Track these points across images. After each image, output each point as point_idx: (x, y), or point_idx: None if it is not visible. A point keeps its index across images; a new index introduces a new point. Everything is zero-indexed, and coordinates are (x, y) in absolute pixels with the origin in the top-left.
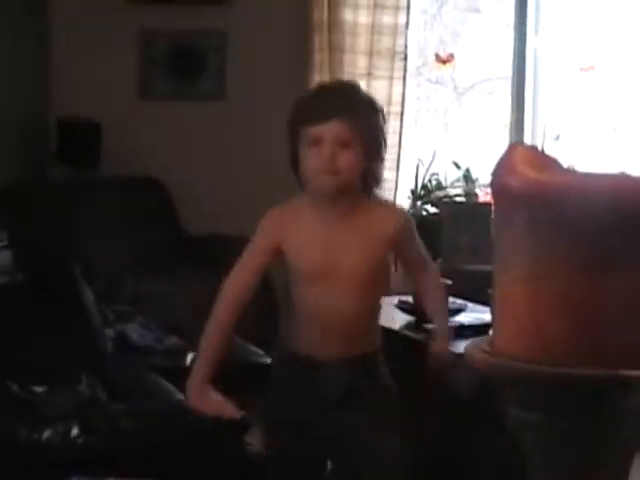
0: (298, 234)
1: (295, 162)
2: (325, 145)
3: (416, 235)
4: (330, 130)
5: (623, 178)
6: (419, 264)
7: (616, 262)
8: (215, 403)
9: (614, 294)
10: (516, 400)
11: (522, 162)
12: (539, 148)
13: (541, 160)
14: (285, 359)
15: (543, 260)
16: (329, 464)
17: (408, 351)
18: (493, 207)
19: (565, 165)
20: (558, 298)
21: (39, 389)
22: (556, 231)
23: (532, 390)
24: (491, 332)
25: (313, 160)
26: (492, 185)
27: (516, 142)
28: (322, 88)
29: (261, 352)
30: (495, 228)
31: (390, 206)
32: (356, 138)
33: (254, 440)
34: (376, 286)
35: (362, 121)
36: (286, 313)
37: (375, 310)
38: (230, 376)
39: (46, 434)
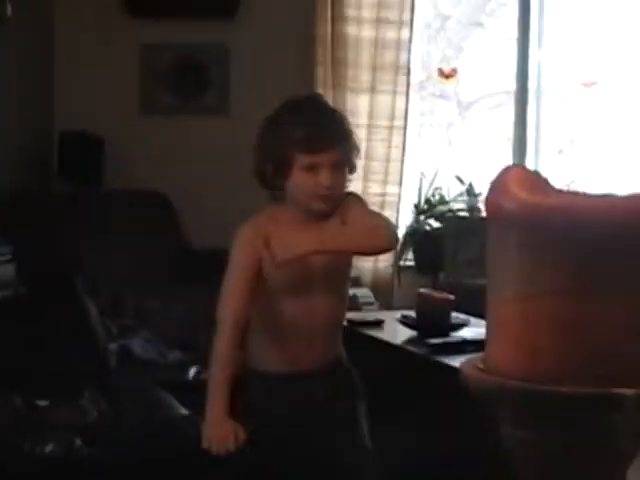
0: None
1: (263, 174)
2: (324, 172)
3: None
4: (329, 158)
5: (612, 199)
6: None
7: (603, 284)
8: (227, 439)
9: (601, 315)
10: (508, 418)
11: (515, 183)
12: (533, 169)
13: (534, 181)
14: (261, 378)
15: (533, 281)
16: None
17: (410, 366)
18: (486, 227)
19: (566, 181)
20: (547, 319)
21: (42, 403)
22: (545, 252)
23: (523, 408)
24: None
25: (310, 185)
26: (486, 206)
27: (510, 164)
28: (308, 112)
29: None
30: (488, 247)
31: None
32: (346, 160)
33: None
34: (346, 283)
35: (351, 144)
36: (257, 333)
37: (346, 306)
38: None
39: (49, 447)
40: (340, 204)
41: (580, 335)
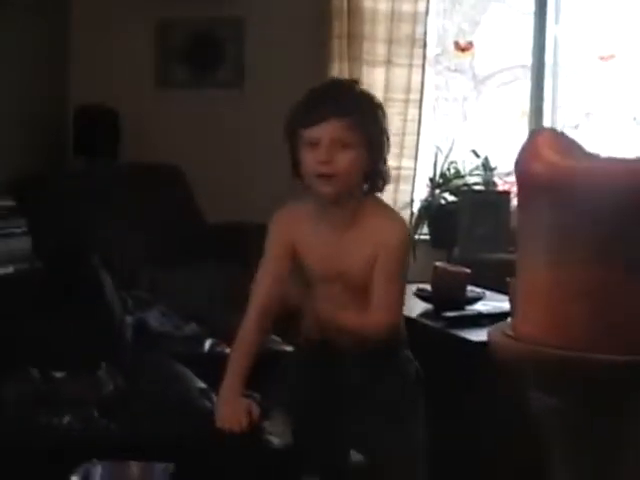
0: (306, 237)
1: (296, 167)
2: (322, 146)
3: (397, 261)
4: (326, 130)
5: None
6: (374, 290)
7: (635, 251)
8: (239, 417)
9: (633, 282)
10: (538, 384)
11: (546, 147)
12: (563, 133)
13: (565, 145)
14: (304, 345)
15: (564, 247)
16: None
17: (426, 339)
18: (516, 192)
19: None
20: (578, 285)
21: (59, 375)
22: (577, 217)
23: (553, 375)
24: (509, 319)
25: (310, 162)
26: (516, 169)
27: (541, 127)
28: (318, 89)
29: (279, 339)
30: (518, 213)
31: (394, 221)
32: (355, 137)
33: (276, 427)
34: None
35: (360, 119)
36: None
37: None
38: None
39: (66, 419)
40: (356, 196)
41: (608, 303)
